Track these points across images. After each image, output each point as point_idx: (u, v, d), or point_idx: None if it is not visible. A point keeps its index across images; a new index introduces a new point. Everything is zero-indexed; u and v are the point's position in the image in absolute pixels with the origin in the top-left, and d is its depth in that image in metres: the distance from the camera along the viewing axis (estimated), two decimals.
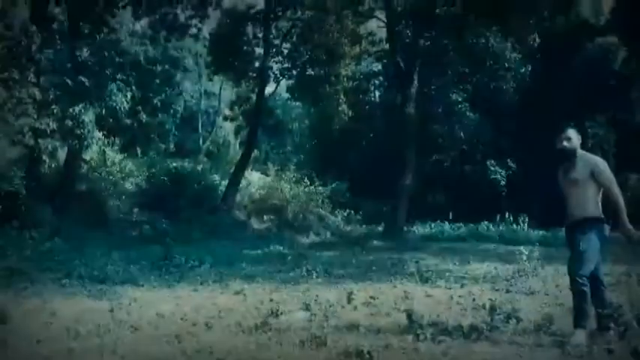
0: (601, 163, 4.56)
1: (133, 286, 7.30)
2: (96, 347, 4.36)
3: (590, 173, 4.49)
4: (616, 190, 4.45)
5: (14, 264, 8.37)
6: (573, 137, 4.65)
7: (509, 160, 21.93)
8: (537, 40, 16.80)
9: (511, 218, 17.03)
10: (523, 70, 20.94)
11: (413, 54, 17.48)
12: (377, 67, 25.98)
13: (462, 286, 7.28)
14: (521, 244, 11.88)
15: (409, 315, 4.85)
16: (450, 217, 18.17)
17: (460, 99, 22.24)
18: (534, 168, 19.26)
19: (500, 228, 16.66)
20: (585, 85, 19.87)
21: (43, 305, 5.94)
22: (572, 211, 4.62)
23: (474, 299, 6.14)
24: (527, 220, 16.39)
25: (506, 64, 19.42)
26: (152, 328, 5.08)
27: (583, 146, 4.79)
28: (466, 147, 22.10)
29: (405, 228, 16.74)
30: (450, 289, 7.13)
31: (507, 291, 6.86)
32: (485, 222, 17.25)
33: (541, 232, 14.75)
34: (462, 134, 21.77)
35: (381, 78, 25.90)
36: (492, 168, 21.86)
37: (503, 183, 21.68)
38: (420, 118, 18.68)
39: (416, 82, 17.35)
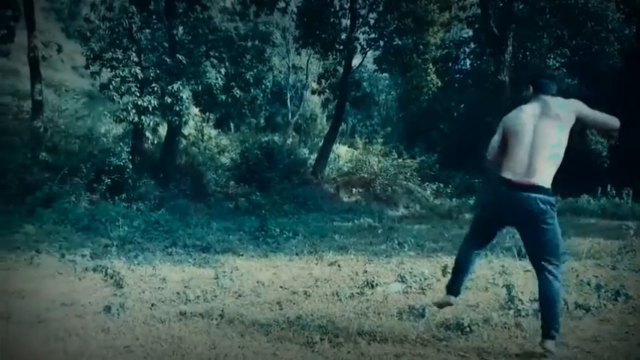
0: None
1: (234, 255, 7.66)
2: (205, 311, 4.65)
3: None
4: None
5: (125, 234, 9.06)
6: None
7: None
8: None
9: (613, 191, 15.99)
10: (627, 31, 19.34)
11: (507, 18, 16.61)
12: (467, 33, 25.01)
13: (563, 261, 6.96)
14: (625, 218, 11.18)
15: (509, 290, 4.74)
16: None
17: (557, 64, 20.97)
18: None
19: (602, 202, 15.70)
20: None
21: (154, 272, 6.36)
22: None
23: (577, 275, 5.88)
24: (631, 193, 15.30)
25: (609, 26, 17.99)
26: (254, 295, 5.33)
27: None
28: None
29: None
30: None
31: (613, 268, 6.48)
32: (585, 195, 16.31)
33: None
34: None
35: (472, 45, 24.90)
36: (593, 138, 20.54)
37: (605, 154, 20.34)
38: (515, 85, 17.84)
39: (510, 47, 16.53)
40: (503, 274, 5.99)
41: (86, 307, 4.79)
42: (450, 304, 4.02)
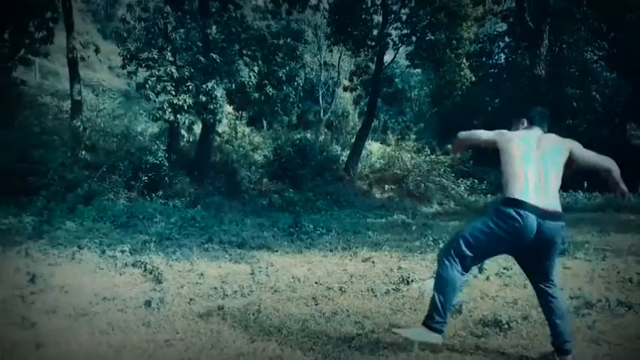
0: None
1: (268, 251, 7.72)
2: (242, 306, 4.71)
3: None
4: None
5: (162, 230, 9.23)
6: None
7: None
8: None
9: None
10: None
11: (542, 11, 16.30)
12: (502, 27, 24.66)
13: (604, 258, 6.81)
14: None
15: None
16: (585, 186, 16.97)
17: (595, 57, 20.45)
18: None
19: None
20: None
21: (192, 267, 6.46)
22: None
23: (618, 272, 5.75)
24: None
25: None
26: (290, 291, 5.36)
27: None
28: (603, 110, 20.34)
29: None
30: (590, 261, 6.72)
31: None
32: None
33: None
34: (597, 96, 20.06)
35: (506, 39, 24.52)
36: (632, 132, 20.03)
37: None
38: (551, 79, 17.48)
39: (546, 41, 16.21)
40: None
41: (127, 302, 4.89)
42: (437, 345, 3.43)
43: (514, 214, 3.15)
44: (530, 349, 3.57)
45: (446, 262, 3.35)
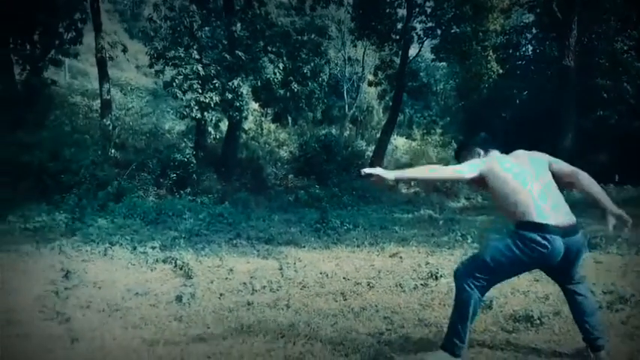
0: None
1: (296, 247, 7.77)
2: (272, 301, 4.76)
3: None
4: None
5: (191, 226, 9.36)
6: None
7: None
8: None
9: None
10: None
11: (570, 0, 15.96)
12: (529, 18, 24.17)
13: (637, 252, 6.68)
14: None
15: None
16: (616, 179, 16.60)
17: (625, 47, 19.92)
18: None
19: None
20: None
21: (221, 263, 6.55)
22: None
23: None
24: None
25: None
26: (318, 286, 5.39)
27: None
28: (634, 101, 19.82)
29: (564, 191, 15.65)
30: (623, 255, 6.59)
31: None
32: None
33: None
34: (628, 87, 19.55)
35: (534, 30, 24.04)
36: None
37: None
38: (581, 70, 17.12)
39: (575, 31, 15.88)
40: None
41: (159, 297, 4.98)
42: None
43: (539, 239, 2.96)
44: (563, 345, 3.52)
45: (466, 287, 3.14)
